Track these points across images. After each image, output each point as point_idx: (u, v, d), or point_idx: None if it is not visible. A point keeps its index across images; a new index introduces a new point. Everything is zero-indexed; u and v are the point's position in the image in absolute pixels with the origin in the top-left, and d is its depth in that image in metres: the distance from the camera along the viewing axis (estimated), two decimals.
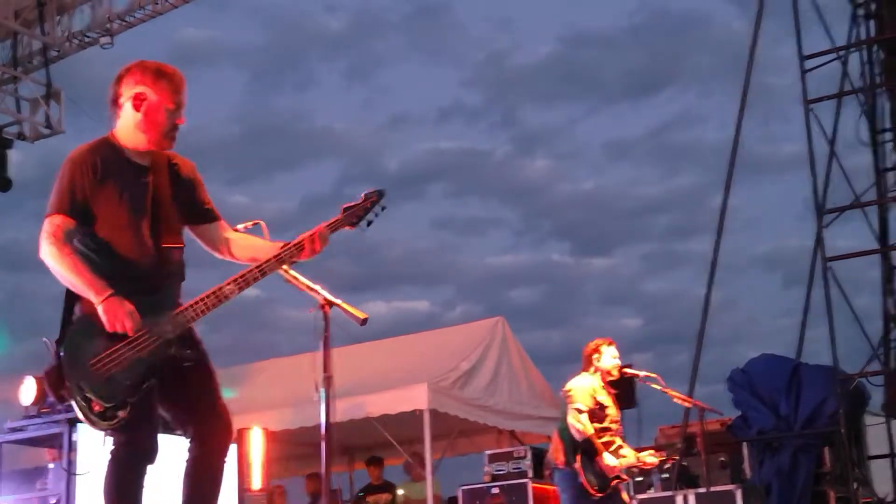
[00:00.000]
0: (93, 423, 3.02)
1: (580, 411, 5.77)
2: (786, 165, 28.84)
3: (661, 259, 35.78)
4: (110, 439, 3.13)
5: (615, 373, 5.96)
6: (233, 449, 7.22)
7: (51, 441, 6.43)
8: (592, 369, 5.98)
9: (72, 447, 5.85)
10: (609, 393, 5.99)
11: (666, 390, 6.02)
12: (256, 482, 7.63)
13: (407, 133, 37.95)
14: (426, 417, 8.77)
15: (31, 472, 7.23)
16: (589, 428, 5.75)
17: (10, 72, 9.92)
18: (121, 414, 2.99)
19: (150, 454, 3.12)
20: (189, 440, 3.21)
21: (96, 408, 2.98)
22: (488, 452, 9.22)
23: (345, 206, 3.36)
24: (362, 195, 3.38)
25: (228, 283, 3.13)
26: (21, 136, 9.98)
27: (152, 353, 3.03)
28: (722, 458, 8.28)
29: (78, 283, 3.03)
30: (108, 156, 3.17)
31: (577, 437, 5.78)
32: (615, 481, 5.82)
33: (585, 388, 5.85)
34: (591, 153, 39.17)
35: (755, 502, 7.52)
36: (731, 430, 8.74)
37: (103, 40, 9.63)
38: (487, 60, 36.42)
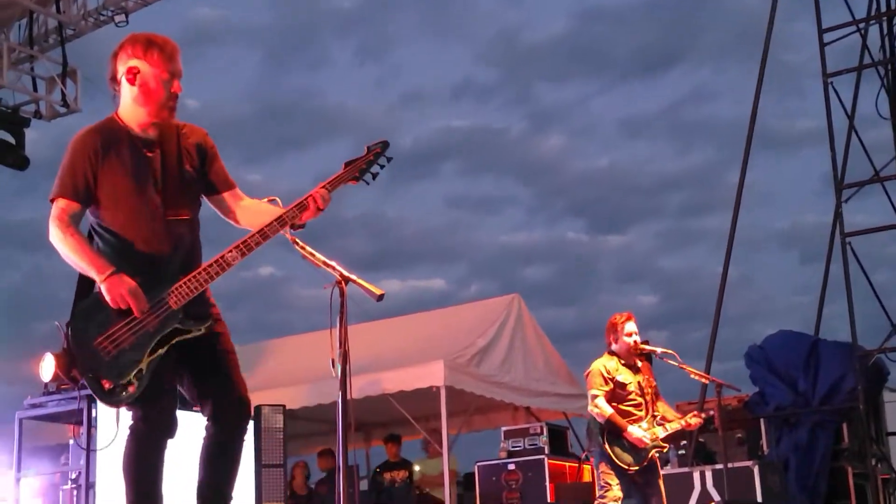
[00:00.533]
0: (105, 401, 3.04)
1: (595, 396, 5.82)
2: (803, 141, 28.63)
3: (675, 236, 35.67)
4: (125, 414, 3.15)
5: (633, 350, 5.94)
6: (251, 425, 7.34)
7: (70, 417, 6.49)
8: (611, 348, 5.98)
9: (91, 423, 5.90)
10: (632, 367, 5.96)
11: (683, 366, 5.99)
12: (275, 458, 7.68)
13: (420, 111, 37.77)
14: (442, 394, 8.78)
15: (53, 448, 7.32)
16: (606, 410, 5.76)
17: (27, 50, 9.93)
18: (131, 390, 3.00)
19: (168, 429, 3.13)
20: (206, 419, 3.20)
21: (106, 385, 2.99)
22: (504, 429, 9.26)
23: (346, 161, 3.30)
24: (365, 147, 3.32)
25: (230, 250, 3.10)
26: (37, 115, 9.99)
27: (157, 327, 3.03)
28: (739, 435, 8.27)
29: (81, 263, 3.04)
30: (109, 135, 3.15)
31: (599, 420, 5.81)
32: (652, 452, 5.81)
33: (599, 371, 5.87)
34: (605, 130, 38.82)
35: (772, 478, 7.50)
36: (748, 407, 8.71)
37: (118, 18, 9.62)
38: (500, 37, 36.12)
